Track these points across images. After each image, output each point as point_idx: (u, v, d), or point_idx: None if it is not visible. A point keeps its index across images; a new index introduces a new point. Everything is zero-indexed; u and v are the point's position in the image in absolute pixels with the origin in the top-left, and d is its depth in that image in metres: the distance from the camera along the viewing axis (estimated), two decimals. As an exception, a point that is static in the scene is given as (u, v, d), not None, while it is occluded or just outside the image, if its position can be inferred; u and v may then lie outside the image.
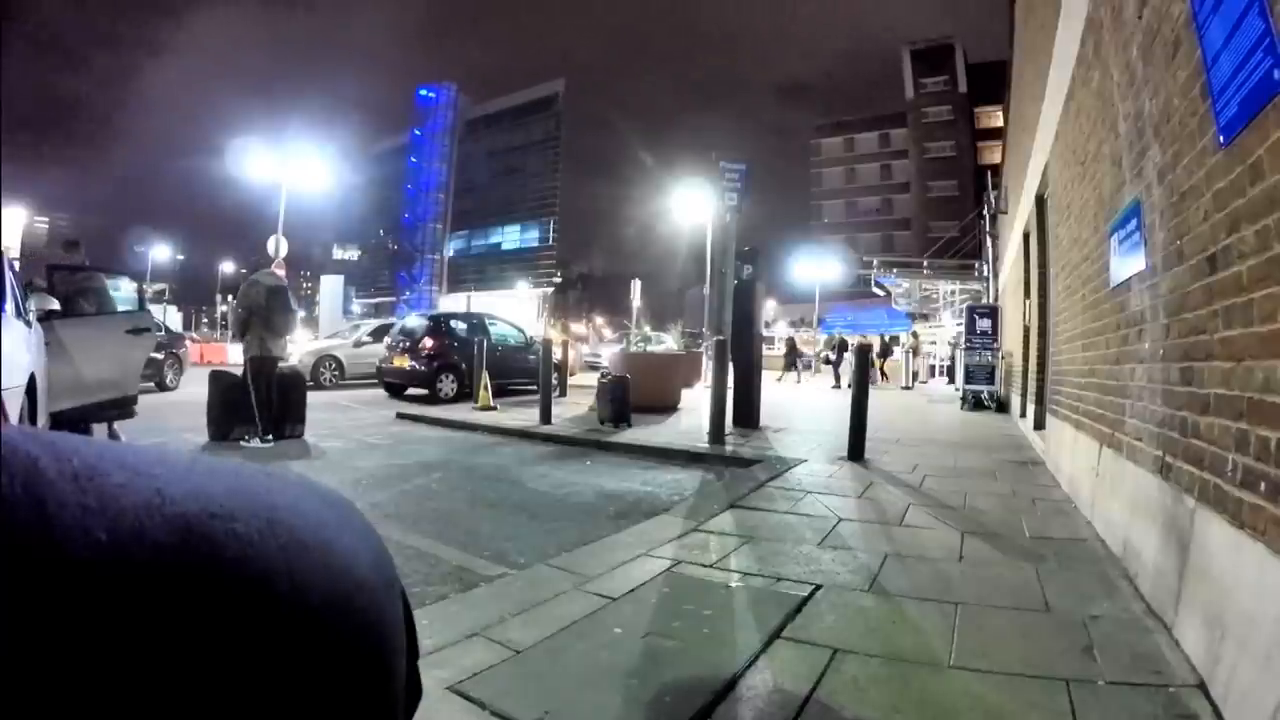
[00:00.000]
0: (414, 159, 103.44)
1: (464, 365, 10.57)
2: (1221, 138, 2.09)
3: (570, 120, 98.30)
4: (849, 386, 7.65)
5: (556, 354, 12.12)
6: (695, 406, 7.12)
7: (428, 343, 11.04)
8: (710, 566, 2.96)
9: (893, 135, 60.89)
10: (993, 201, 15.28)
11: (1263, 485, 1.77)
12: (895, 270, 23.90)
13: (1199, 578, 2.09)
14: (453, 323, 12.14)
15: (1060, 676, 1.99)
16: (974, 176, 46.27)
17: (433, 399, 10.63)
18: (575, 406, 9.60)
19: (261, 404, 6.32)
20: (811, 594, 2.64)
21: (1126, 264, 3.30)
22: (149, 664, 0.18)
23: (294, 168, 16.99)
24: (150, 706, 0.18)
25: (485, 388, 9.27)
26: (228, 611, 0.20)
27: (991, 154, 42.80)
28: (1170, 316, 2.63)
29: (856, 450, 5.69)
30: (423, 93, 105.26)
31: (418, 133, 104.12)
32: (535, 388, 9.26)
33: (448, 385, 10.85)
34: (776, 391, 12.00)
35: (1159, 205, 2.78)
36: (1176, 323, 2.55)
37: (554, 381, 10.74)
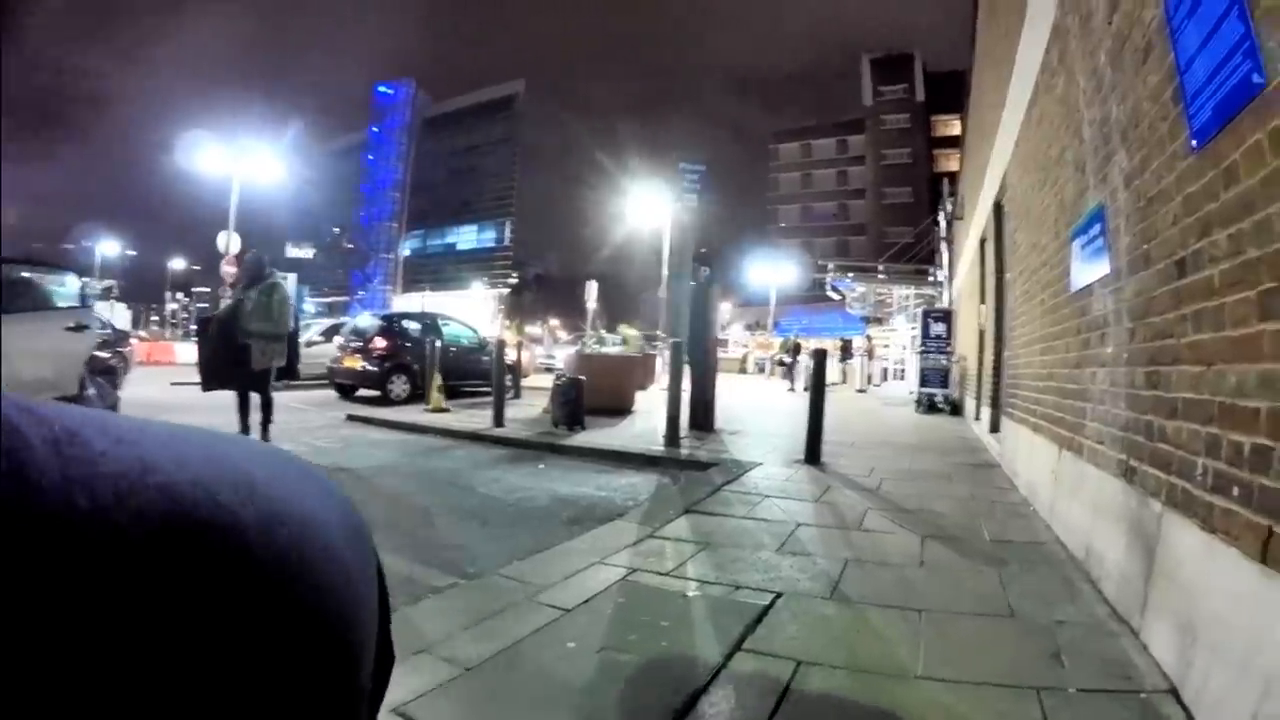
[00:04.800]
0: (371, 156, 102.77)
1: (416, 366, 10.38)
2: (1194, 142, 2.08)
3: (529, 120, 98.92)
4: (805, 390, 7.66)
5: (510, 355, 12.00)
6: (650, 409, 7.05)
7: (379, 343, 10.80)
8: (667, 574, 2.86)
9: (850, 141, 62.14)
10: (948, 208, 15.60)
11: (1235, 490, 1.74)
12: (850, 274, 24.26)
13: (1167, 582, 2.07)
14: (405, 323, 11.92)
15: (1030, 685, 1.95)
16: (929, 184, 47.50)
17: (384, 400, 10.42)
18: (529, 408, 9.45)
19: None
20: (772, 603, 2.55)
21: (1089, 269, 3.31)
22: (128, 629, 0.18)
23: (247, 162, 16.40)
24: (127, 670, 0.18)
25: (438, 389, 9.12)
26: (206, 579, 0.20)
27: (947, 162, 43.94)
28: (1135, 321, 2.62)
29: (813, 453, 5.66)
30: (381, 89, 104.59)
31: (375, 130, 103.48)
32: (489, 389, 9.13)
33: (399, 386, 10.64)
34: (732, 394, 12.03)
35: (1124, 210, 2.78)
36: (1142, 327, 2.54)
37: (508, 383, 10.94)
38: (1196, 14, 2.02)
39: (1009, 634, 2.32)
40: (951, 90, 48.50)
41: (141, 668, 0.18)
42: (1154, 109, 2.41)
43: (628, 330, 21.17)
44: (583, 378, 7.91)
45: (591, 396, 7.94)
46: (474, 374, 11.54)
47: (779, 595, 2.62)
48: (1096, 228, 3.20)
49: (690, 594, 2.66)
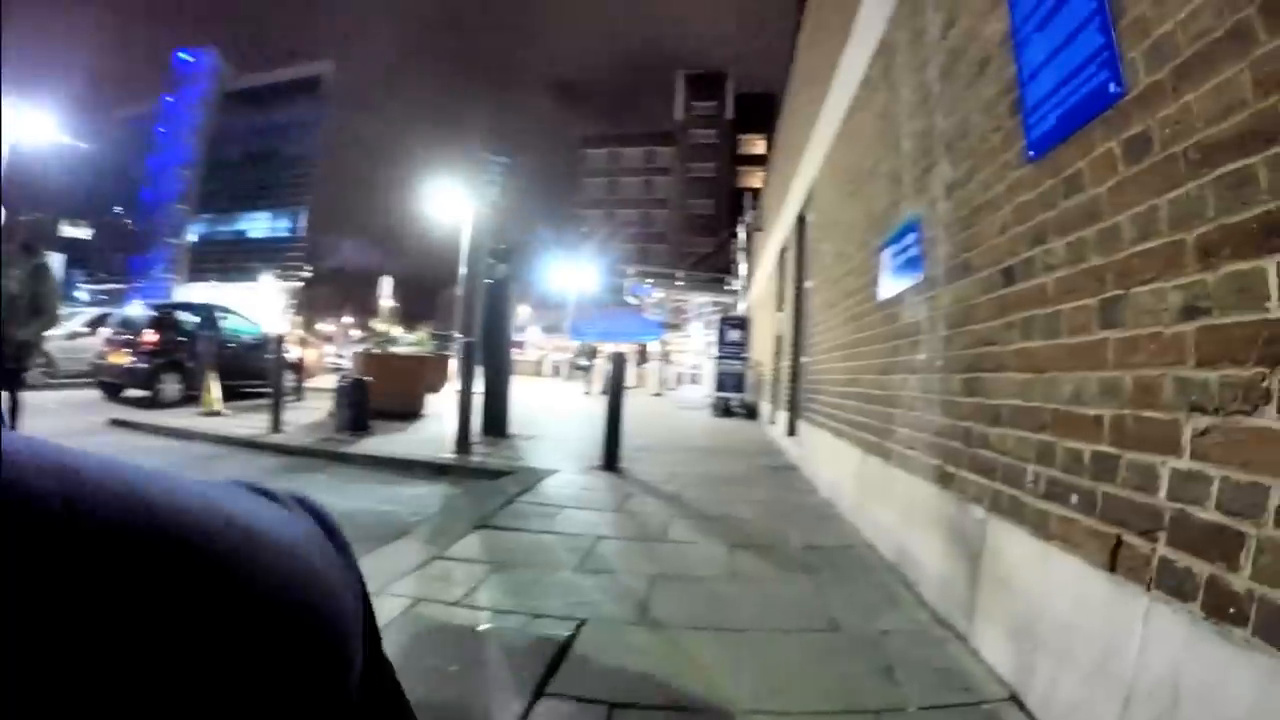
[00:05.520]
0: (163, 128, 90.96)
1: (191, 364, 9.41)
2: (1031, 152, 2.10)
3: (336, 104, 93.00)
4: (601, 392, 7.53)
5: (292, 352, 11.21)
6: (443, 412, 6.55)
7: (149, 337, 9.53)
8: (456, 604, 2.43)
9: (659, 152, 64.72)
10: (749, 220, 16.60)
11: (1074, 498, 1.73)
12: (650, 280, 25.01)
13: (998, 588, 2.07)
14: (179, 315, 10.62)
15: (869, 708, 1.82)
16: (731, 198, 50.93)
17: (154, 402, 9.17)
18: (313, 412, 8.58)
19: None
20: (576, 632, 2.23)
21: (900, 278, 3.42)
22: (122, 636, 0.18)
23: (14, 120, 13.08)
24: (124, 673, 0.18)
25: (211, 390, 8.30)
26: (196, 593, 0.20)
27: (750, 178, 47.41)
28: (953, 328, 2.68)
29: (611, 459, 5.48)
30: (181, 55, 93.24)
31: (170, 99, 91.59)
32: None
33: (171, 386, 9.52)
34: (528, 397, 11.71)
35: (944, 220, 2.85)
36: (961, 334, 2.59)
37: (290, 384, 10.08)
38: (1048, 26, 2.03)
39: (836, 650, 2.20)
40: (759, 111, 52.62)
41: (136, 670, 0.19)
42: (986, 120, 2.45)
43: (391, 330, 19.98)
44: (369, 379, 7.34)
45: (380, 399, 7.58)
46: (256, 373, 10.39)
47: (583, 623, 2.30)
48: (911, 237, 3.31)
49: (483, 628, 2.25)
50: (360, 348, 15.16)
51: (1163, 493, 1.45)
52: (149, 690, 0.19)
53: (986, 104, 2.45)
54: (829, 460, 4.86)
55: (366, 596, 0.30)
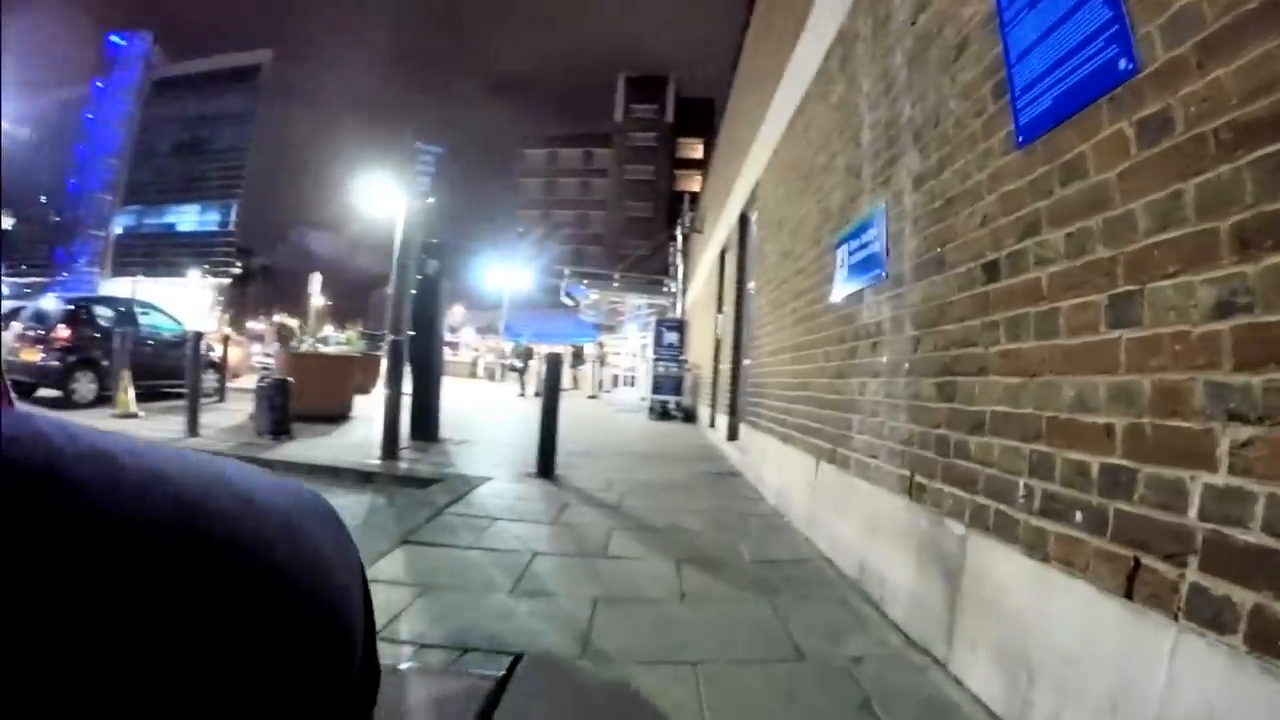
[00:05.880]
0: (91, 115, 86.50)
1: (107, 362, 8.75)
2: (1021, 137, 1.93)
3: (272, 96, 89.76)
4: (535, 394, 7.20)
5: (213, 350, 10.58)
6: (372, 414, 6.13)
7: (63, 333, 8.87)
8: (377, 635, 2.06)
9: (597, 154, 64.31)
10: (687, 223, 16.51)
11: (1078, 516, 1.56)
12: (586, 281, 24.71)
13: (983, 611, 1.89)
14: (96, 309, 9.90)
15: (850, 753, 1.59)
16: (669, 201, 51.06)
17: (68, 402, 8.50)
18: (235, 414, 8.00)
19: None
20: (511, 669, 1.93)
21: (859, 276, 3.26)
22: (148, 619, 0.19)
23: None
24: (149, 657, 0.19)
25: (126, 390, 7.70)
26: (212, 579, 0.21)
27: (688, 182, 47.55)
28: (922, 328, 2.52)
29: (547, 466, 5.16)
30: (114, 39, 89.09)
31: (100, 84, 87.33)
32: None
33: (85, 386, 8.90)
34: (461, 399, 11.21)
35: (911, 213, 2.69)
36: (932, 334, 2.43)
37: (214, 384, 9.83)
38: (1041, 2, 1.87)
39: (805, 682, 1.97)
40: (699, 115, 53.08)
41: (160, 655, 0.19)
42: (964, 106, 2.30)
43: (297, 326, 19.08)
44: (291, 379, 6.76)
45: (305, 400, 7.11)
46: (177, 373, 9.73)
47: (519, 657, 2.01)
48: (871, 232, 3.15)
49: (404, 666, 1.91)
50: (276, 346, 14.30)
51: (1193, 511, 1.28)
52: (149, 668, 0.19)
53: (964, 89, 2.29)
54: (776, 467, 4.69)
55: (369, 598, 0.30)
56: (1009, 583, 1.78)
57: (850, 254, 3.43)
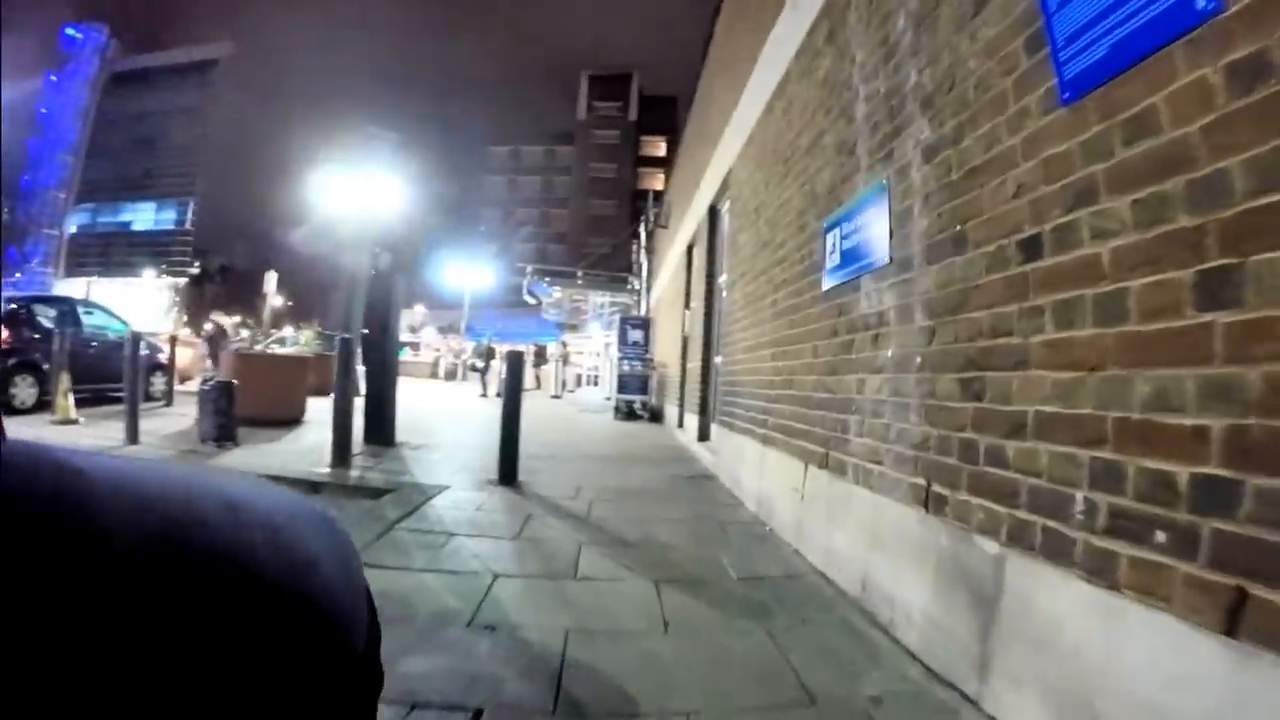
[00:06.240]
0: (45, 109, 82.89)
1: (48, 365, 8.26)
2: (1066, 93, 1.67)
3: (230, 91, 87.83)
4: (497, 395, 6.81)
5: (164, 353, 10.20)
6: (325, 419, 5.67)
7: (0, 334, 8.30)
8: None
9: (560, 151, 63.56)
10: (651, 219, 16.21)
11: (1161, 536, 1.29)
12: (549, 279, 24.25)
13: (1027, 645, 1.62)
14: (36, 309, 9.34)
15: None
16: (632, 199, 50.67)
17: (6, 408, 7.97)
18: (181, 419, 7.42)
19: None
20: None
21: (856, 261, 3.00)
22: (130, 634, 0.20)
23: None
24: (124, 670, 0.19)
25: (65, 395, 7.17)
26: (198, 588, 0.21)
27: (651, 180, 47.21)
28: (938, 317, 2.25)
29: (509, 472, 4.79)
30: (69, 31, 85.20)
31: (55, 78, 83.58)
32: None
33: (25, 390, 8.41)
34: (419, 401, 10.71)
35: (921, 188, 2.43)
36: (951, 324, 2.16)
37: (161, 388, 9.57)
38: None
39: (822, 729, 1.68)
40: (663, 114, 52.78)
41: (138, 663, 0.20)
42: (987, 65, 2.03)
43: (227, 323, 18.27)
44: (235, 381, 6.23)
45: (254, 404, 6.82)
46: (122, 376, 8.96)
47: (478, 714, 1.66)
48: (869, 213, 2.89)
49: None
50: (235, 346, 13.58)
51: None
52: (152, 670, 0.20)
53: (987, 46, 2.03)
54: (755, 471, 4.41)
55: (373, 606, 0.30)
56: (1063, 613, 1.52)
57: (843, 238, 3.17)
